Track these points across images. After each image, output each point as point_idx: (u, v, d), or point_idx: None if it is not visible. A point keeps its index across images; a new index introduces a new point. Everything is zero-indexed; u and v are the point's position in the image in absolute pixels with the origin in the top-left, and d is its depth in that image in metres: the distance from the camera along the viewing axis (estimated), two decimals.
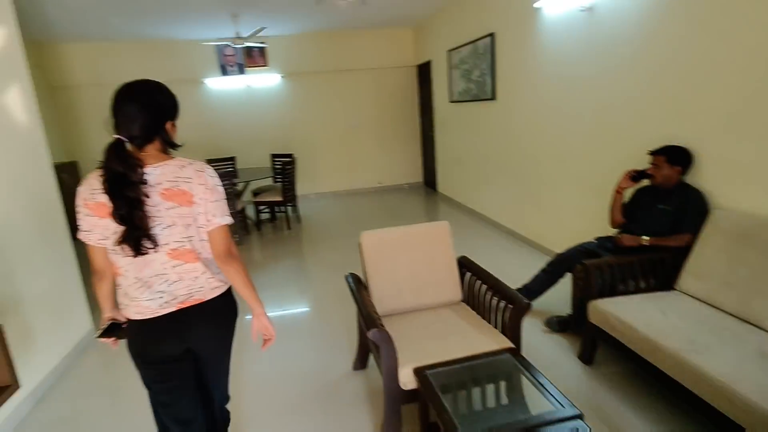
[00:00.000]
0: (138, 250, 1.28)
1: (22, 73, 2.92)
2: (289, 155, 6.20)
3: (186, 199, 1.32)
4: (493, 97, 4.65)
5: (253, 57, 6.84)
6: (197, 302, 1.38)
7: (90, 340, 3.03)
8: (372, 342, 1.86)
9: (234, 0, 4.82)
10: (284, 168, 5.75)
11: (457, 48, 5.45)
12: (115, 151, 1.25)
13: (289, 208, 5.82)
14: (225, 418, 1.67)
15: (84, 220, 1.31)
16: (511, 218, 4.70)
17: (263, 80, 6.97)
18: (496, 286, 2.12)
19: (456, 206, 6.11)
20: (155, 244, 1.29)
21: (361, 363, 2.51)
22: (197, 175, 1.36)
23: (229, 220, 1.40)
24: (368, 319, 1.88)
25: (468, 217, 5.54)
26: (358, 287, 2.25)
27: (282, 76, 7.04)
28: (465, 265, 2.42)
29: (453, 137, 6.02)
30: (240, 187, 5.36)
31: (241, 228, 5.10)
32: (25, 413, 2.35)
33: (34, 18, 4.78)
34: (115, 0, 4.54)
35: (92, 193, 1.28)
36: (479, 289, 2.25)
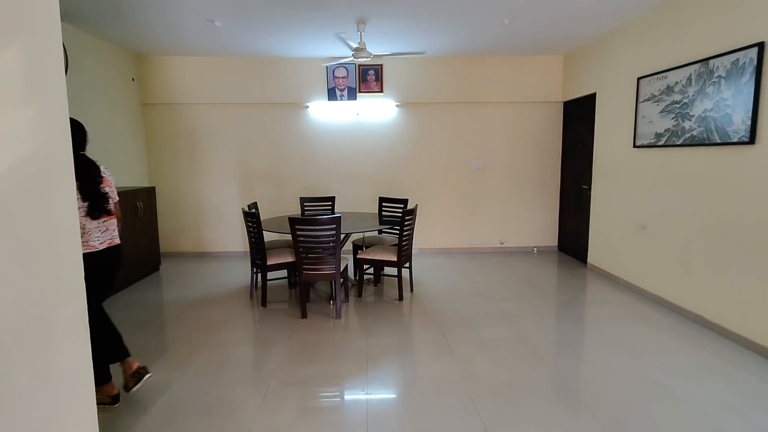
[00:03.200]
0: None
1: None
2: (404, 201, 4.86)
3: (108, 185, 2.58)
4: (749, 140, 3.00)
5: (367, 81, 5.75)
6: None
7: None
8: None
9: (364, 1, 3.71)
10: (399, 217, 4.42)
11: (659, 73, 3.90)
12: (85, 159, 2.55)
13: (402, 271, 4.40)
14: None
15: None
16: (760, 325, 2.90)
17: (376, 109, 5.83)
18: None
19: (621, 288, 4.36)
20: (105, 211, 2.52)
21: None
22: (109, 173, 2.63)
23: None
24: None
25: (651, 310, 3.77)
26: None
27: (397, 105, 5.86)
28: None
29: (634, 195, 4.35)
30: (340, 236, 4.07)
31: (340, 291, 3.77)
32: None
33: (131, 29, 4.01)
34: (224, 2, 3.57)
35: None
36: None
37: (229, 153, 5.90)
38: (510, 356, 2.98)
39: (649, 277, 4.12)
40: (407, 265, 4.44)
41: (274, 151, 5.90)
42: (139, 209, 4.88)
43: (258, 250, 3.93)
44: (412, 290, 4.43)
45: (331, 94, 5.76)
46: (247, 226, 3.95)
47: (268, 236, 4.06)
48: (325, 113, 5.85)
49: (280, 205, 5.97)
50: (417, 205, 4.26)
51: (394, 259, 4.05)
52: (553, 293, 4.34)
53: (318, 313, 3.84)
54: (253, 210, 4.53)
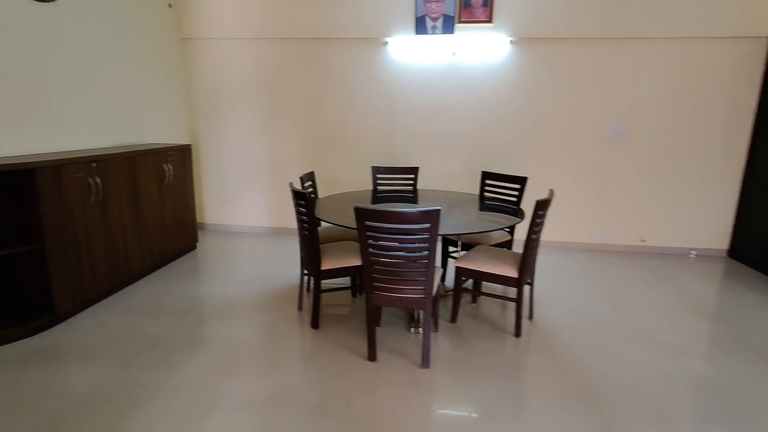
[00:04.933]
0: None
1: None
2: (520, 180, 3.35)
3: None
4: None
5: (471, 7, 4.12)
6: None
7: None
8: None
9: None
10: (511, 203, 2.94)
11: None
12: None
13: (519, 290, 2.93)
14: None
15: None
16: None
17: (480, 46, 4.21)
18: None
19: None
20: None
21: None
22: None
23: None
24: None
25: None
26: None
27: (512, 42, 4.20)
28: None
29: None
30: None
31: (429, 328, 2.41)
32: None
33: None
34: None
35: None
36: None
37: (284, 104, 4.62)
38: None
39: None
40: (530, 282, 2.97)
41: (340, 103, 4.53)
42: (167, 174, 3.77)
43: (309, 249, 2.66)
44: (531, 317, 2.98)
45: (420, 26, 4.21)
46: (297, 211, 2.67)
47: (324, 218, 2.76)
48: (410, 52, 4.33)
49: (344, 176, 4.65)
50: (552, 191, 2.74)
51: (513, 274, 2.59)
52: (763, 338, 2.70)
53: (393, 351, 2.53)
54: (309, 187, 3.24)
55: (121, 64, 3.74)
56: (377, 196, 3.46)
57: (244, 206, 4.92)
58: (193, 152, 4.81)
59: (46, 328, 2.71)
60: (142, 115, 4.03)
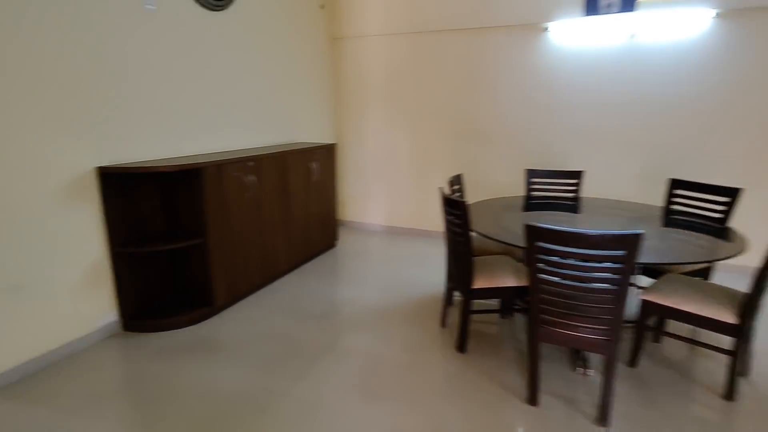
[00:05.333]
0: None
1: None
2: (731, 191, 2.61)
3: None
4: None
5: None
6: None
7: None
8: None
9: None
10: (717, 221, 2.26)
11: None
12: None
13: (739, 341, 2.25)
14: None
15: None
16: None
17: (668, 24, 3.45)
18: None
19: None
20: None
21: None
22: None
23: None
24: None
25: None
26: None
27: (717, 14, 3.35)
28: None
29: None
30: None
31: (614, 377, 1.92)
32: None
33: None
34: None
35: None
36: None
37: (429, 99, 4.38)
38: None
39: None
40: (750, 327, 2.27)
41: (489, 97, 4.14)
42: (313, 172, 3.81)
43: (460, 264, 2.36)
44: (746, 373, 2.28)
45: (591, 6, 3.60)
46: (448, 221, 2.39)
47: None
48: (576, 37, 3.74)
49: (492, 177, 4.26)
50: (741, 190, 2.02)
51: (732, 320, 1.96)
52: None
53: (556, 394, 2.10)
54: (457, 191, 2.94)
55: (277, 66, 3.86)
56: (531, 203, 3.02)
57: (383, 204, 4.84)
58: (336, 150, 4.86)
59: (205, 319, 2.87)
60: (294, 114, 4.15)
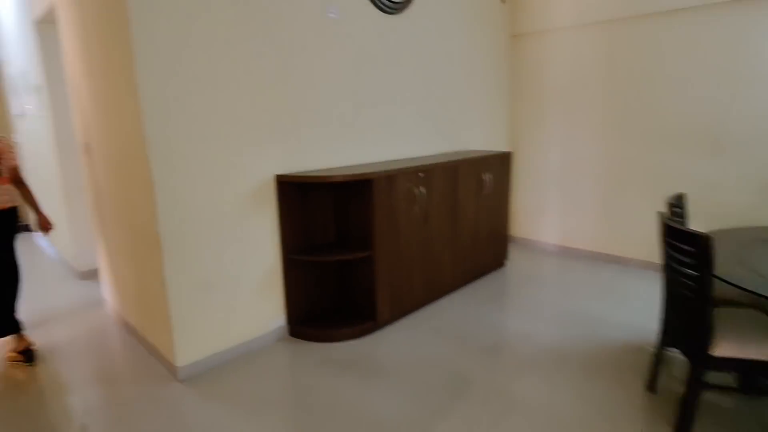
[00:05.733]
0: None
1: None
2: None
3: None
4: None
5: None
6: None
7: None
8: None
9: None
10: None
11: None
12: None
13: None
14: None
15: None
16: None
17: None
18: None
19: None
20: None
21: None
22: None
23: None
24: None
25: None
26: None
27: None
28: None
29: None
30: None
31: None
32: None
33: None
34: None
35: None
36: None
37: (627, 99, 3.62)
38: None
39: None
40: None
41: (714, 91, 3.20)
42: (486, 183, 3.46)
43: (686, 313, 1.73)
44: None
45: None
46: (669, 255, 1.79)
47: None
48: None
49: (724, 196, 3.29)
50: None
51: None
52: None
53: None
54: (676, 215, 2.26)
55: (450, 68, 3.62)
56: None
57: (559, 221, 4.21)
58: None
59: (367, 334, 2.77)
60: (466, 120, 3.87)
